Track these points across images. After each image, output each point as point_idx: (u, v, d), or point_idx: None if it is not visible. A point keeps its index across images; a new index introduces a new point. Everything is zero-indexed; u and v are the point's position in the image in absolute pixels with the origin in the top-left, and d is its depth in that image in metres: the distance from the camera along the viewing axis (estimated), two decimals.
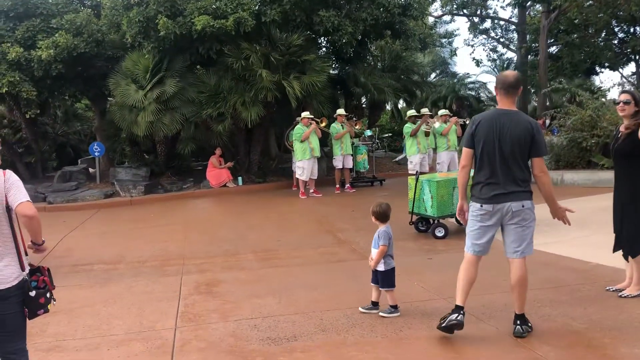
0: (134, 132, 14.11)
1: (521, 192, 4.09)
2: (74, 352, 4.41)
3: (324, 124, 13.61)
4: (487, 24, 28.83)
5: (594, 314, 4.59)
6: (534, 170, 4.15)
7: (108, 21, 14.35)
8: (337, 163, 13.38)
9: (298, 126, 12.85)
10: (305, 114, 12.91)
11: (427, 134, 12.98)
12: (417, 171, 11.08)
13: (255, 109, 13.73)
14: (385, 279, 4.85)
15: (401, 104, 26.84)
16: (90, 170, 16.35)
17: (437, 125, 12.66)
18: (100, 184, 14.88)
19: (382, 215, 4.98)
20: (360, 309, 4.97)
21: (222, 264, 7.28)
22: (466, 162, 4.22)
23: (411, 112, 13.49)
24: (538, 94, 25.31)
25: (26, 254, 3.20)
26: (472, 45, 30.82)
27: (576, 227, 7.93)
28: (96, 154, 15.08)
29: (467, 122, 15.79)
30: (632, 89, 5.12)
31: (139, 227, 10.42)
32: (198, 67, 15.22)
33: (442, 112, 13.43)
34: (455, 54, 32.40)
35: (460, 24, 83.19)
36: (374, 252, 4.90)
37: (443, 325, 4.17)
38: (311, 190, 12.91)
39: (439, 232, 8.15)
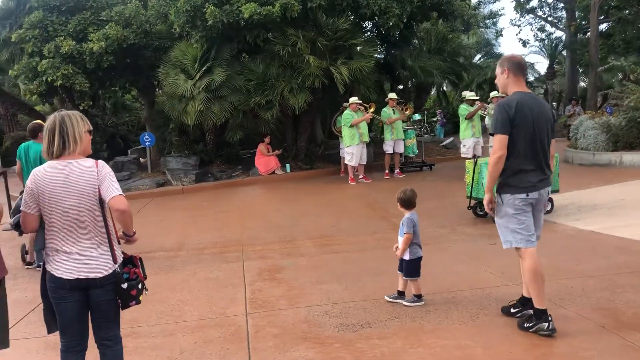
0: (183, 122, 14.28)
1: (549, 176, 4.05)
2: (151, 337, 4.47)
3: (372, 109, 13.47)
4: (534, 2, 28.01)
5: None
6: (551, 151, 4.06)
7: (155, 12, 14.50)
8: (388, 148, 13.23)
9: (346, 111, 12.75)
10: (353, 99, 12.79)
11: (482, 118, 12.68)
12: (474, 155, 10.87)
13: (303, 96, 13.69)
14: (409, 268, 4.72)
15: (446, 87, 26.37)
16: (141, 160, 16.65)
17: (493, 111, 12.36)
18: (152, 174, 15.13)
19: (407, 202, 4.83)
20: (386, 297, 4.87)
21: (281, 250, 7.29)
22: (504, 150, 3.87)
23: (470, 94, 13.15)
24: (589, 74, 24.44)
25: (119, 243, 3.24)
26: (519, 25, 30.07)
27: None
28: (147, 143, 15.33)
29: None
30: None
31: (193, 214, 10.55)
32: (245, 55, 15.25)
33: (493, 94, 13.10)
34: (501, 35, 31.57)
35: (506, 4, 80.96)
36: (400, 241, 4.77)
37: (540, 332, 3.90)
38: (360, 176, 12.83)
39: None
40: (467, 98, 12.91)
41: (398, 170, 13.36)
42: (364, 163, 12.92)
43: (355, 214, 9.53)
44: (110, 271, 3.09)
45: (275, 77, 13.97)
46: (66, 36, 13.92)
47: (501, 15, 41.73)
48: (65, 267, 3.05)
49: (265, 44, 13.99)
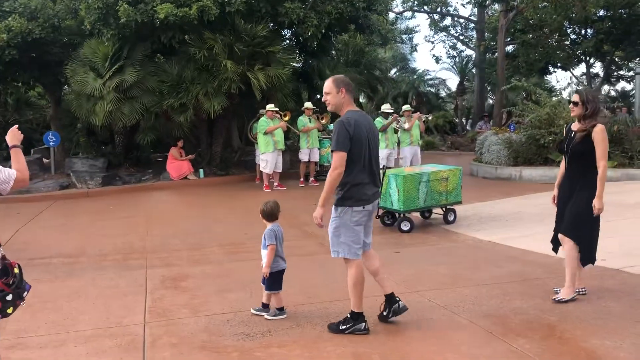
0: (91, 122, 13.68)
1: (379, 190, 4.41)
2: (39, 349, 4.23)
3: (287, 118, 13.52)
4: (447, 21, 29.28)
5: (563, 307, 4.68)
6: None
7: (65, 6, 13.84)
8: (303, 156, 13.32)
9: (262, 118, 12.72)
10: (270, 106, 12.79)
11: (395, 131, 13.05)
12: (384, 165, 11.13)
13: (219, 100, 13.52)
14: (270, 281, 4.68)
15: (362, 98, 26.95)
16: (45, 160, 15.77)
17: (406, 125, 12.74)
18: (55, 175, 14.37)
19: (269, 215, 4.83)
20: (252, 310, 4.82)
21: (188, 257, 7.13)
22: (344, 166, 4.05)
23: (385, 107, 13.51)
24: (495, 92, 25.80)
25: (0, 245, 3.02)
26: (432, 42, 31.31)
27: (538, 222, 8.19)
28: (51, 143, 14.54)
29: (430, 118, 15.82)
30: (583, 89, 5.11)
31: (98, 219, 10.11)
32: (159, 56, 14.86)
33: (405, 107, 13.53)
34: (416, 50, 32.81)
35: (421, 21, 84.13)
36: (264, 254, 4.74)
37: (357, 332, 4.25)
38: (275, 184, 12.82)
39: (405, 226, 8.20)
40: (382, 111, 13.28)
41: (313, 178, 13.47)
42: (279, 170, 12.93)
43: None
44: None
45: (190, 80, 13.70)
46: None
47: (417, 32, 43.34)
48: None
49: (181, 45, 13.70)
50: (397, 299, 4.45)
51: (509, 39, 25.55)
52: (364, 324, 4.24)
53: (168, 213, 10.84)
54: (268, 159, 12.59)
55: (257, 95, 13.55)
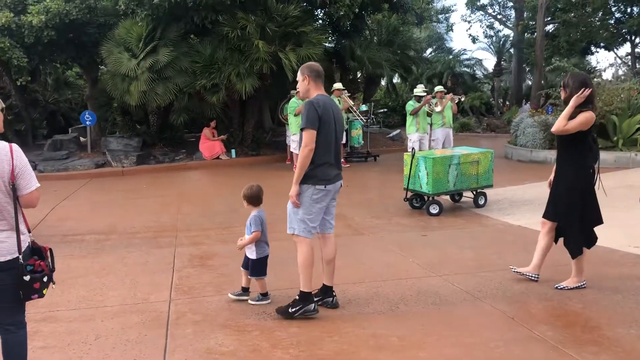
0: (126, 102, 13.91)
1: (340, 172, 4.46)
2: (68, 322, 4.37)
3: None
4: (485, 0, 28.53)
5: (589, 294, 4.60)
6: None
7: None
8: None
9: (293, 99, 12.71)
10: None
11: (428, 114, 12.85)
12: (413, 148, 11.04)
13: (250, 81, 13.56)
14: (255, 267, 4.62)
15: (396, 79, 26.65)
16: (82, 139, 16.16)
17: (438, 108, 12.53)
18: (92, 154, 14.71)
19: (253, 198, 4.76)
20: (230, 294, 4.75)
21: (216, 236, 7.23)
22: (314, 144, 4.14)
23: (418, 89, 13.30)
24: (534, 73, 25.16)
25: (29, 231, 3.12)
26: (469, 22, 30.56)
27: None
28: (87, 122, 14.87)
29: (463, 99, 15.52)
30: (574, 73, 4.89)
31: (130, 197, 10.33)
32: (192, 36, 14.95)
33: (437, 88, 13.31)
34: (452, 30, 32.06)
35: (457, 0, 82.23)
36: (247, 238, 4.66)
37: (307, 314, 4.25)
38: None
39: (434, 209, 8.13)
40: (415, 94, 13.08)
41: (343, 159, 13.43)
42: None
43: None
44: (13, 256, 2.98)
45: (223, 60, 13.76)
46: (3, 7, 13.30)
47: (453, 11, 42.40)
48: None
49: (213, 26, 13.76)
50: (333, 294, 4.51)
51: (549, 18, 24.82)
52: (313, 304, 4.27)
53: (199, 192, 10.99)
54: (299, 140, 12.58)
55: (289, 75, 13.52)
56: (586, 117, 4.44)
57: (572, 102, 4.46)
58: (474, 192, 8.56)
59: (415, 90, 13.53)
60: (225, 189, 11.14)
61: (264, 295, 4.68)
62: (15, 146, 3.03)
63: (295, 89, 12.72)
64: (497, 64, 30.48)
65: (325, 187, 4.24)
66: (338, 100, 13.24)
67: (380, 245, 6.53)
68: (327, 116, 4.19)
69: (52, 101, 19.34)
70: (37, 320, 4.37)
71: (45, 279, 3.09)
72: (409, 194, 8.43)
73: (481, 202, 8.55)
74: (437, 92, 12.82)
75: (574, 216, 4.63)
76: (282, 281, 5.10)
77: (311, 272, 4.29)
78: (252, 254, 4.65)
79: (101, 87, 15.41)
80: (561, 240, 4.86)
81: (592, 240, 4.76)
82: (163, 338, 4.01)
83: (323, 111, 4.15)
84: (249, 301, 4.68)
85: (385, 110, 24.68)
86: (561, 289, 4.71)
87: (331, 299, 4.48)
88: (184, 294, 4.96)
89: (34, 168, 13.25)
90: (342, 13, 13.86)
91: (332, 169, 4.28)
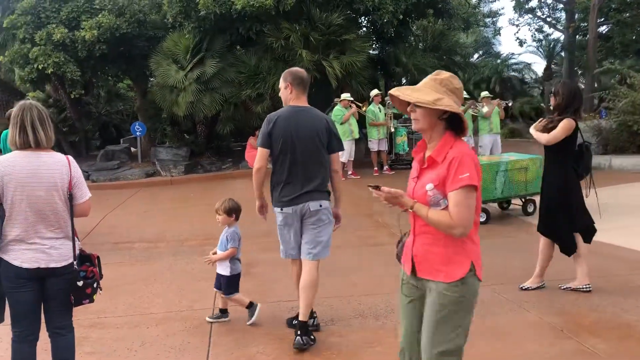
0: (174, 112, 14.24)
1: (313, 191, 3.96)
2: (115, 329, 4.48)
3: (365, 109, 13.41)
4: (534, 2, 27.90)
5: None
6: (332, 166, 4.07)
7: (149, 1, 14.45)
8: (373, 146, 13.22)
9: (337, 107, 12.71)
10: (344, 95, 12.76)
11: (473, 119, 12.66)
12: None
13: None
14: (229, 284, 4.43)
15: None
16: (132, 149, 16.64)
17: (485, 109, 12.33)
18: (142, 163, 15.12)
19: (235, 211, 4.60)
20: (208, 318, 4.56)
21: (261, 244, 7.28)
22: (263, 162, 3.96)
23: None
24: (586, 76, 24.40)
25: (78, 240, 3.24)
26: (517, 25, 29.87)
27: (627, 214, 7.68)
28: (137, 133, 15.30)
29: (510, 104, 15.16)
30: (563, 81, 5.10)
31: (179, 206, 10.54)
32: (238, 47, 15.20)
33: (484, 94, 13.08)
34: (499, 34, 31.48)
35: (505, 3, 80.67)
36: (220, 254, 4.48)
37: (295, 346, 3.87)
38: (349, 172, 12.82)
39: (481, 217, 7.94)
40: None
41: (387, 167, 13.35)
42: (352, 159, 12.92)
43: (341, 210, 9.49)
44: (69, 262, 3.11)
45: (267, 70, 13.92)
46: (58, 23, 13.85)
47: (501, 14, 41.62)
48: (25, 257, 3.04)
49: (258, 36, 13.94)
50: (299, 332, 3.90)
51: (602, 19, 24.05)
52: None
53: (245, 201, 11.00)
54: (344, 148, 12.57)
55: (333, 83, 13.56)
56: (568, 122, 4.57)
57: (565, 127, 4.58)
58: (523, 200, 8.34)
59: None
60: (268, 198, 11.22)
61: (223, 312, 4.55)
62: (71, 158, 3.19)
63: (339, 97, 12.83)
64: (547, 68, 29.71)
65: (281, 209, 3.97)
66: (379, 108, 13.15)
67: None
68: (281, 132, 3.86)
69: (104, 113, 19.98)
70: (85, 326, 4.50)
71: (95, 285, 3.21)
72: None
73: (530, 209, 8.32)
74: (483, 97, 12.60)
75: (564, 217, 4.72)
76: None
77: (312, 294, 3.99)
78: (225, 270, 4.43)
79: (150, 98, 15.84)
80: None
81: (590, 232, 4.85)
82: (206, 345, 4.05)
83: (276, 127, 3.86)
84: (207, 318, 4.53)
85: None
86: (565, 289, 4.80)
87: (295, 337, 3.90)
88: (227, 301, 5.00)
89: (87, 178, 13.72)
90: (385, 20, 13.81)
91: (289, 189, 3.93)
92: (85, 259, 3.25)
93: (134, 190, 12.73)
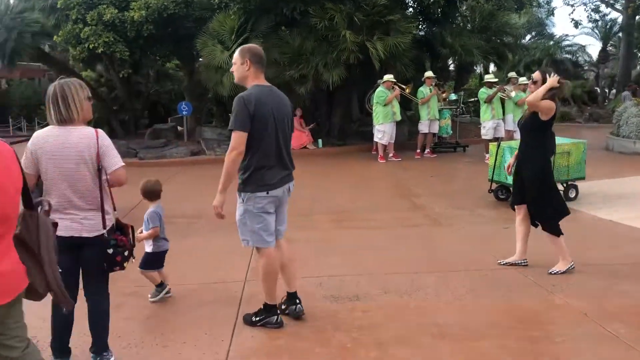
0: (219, 93, 14.49)
1: (291, 172, 3.97)
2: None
3: (408, 90, 13.30)
4: None
5: None
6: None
7: None
8: (423, 127, 13.11)
9: (380, 89, 12.66)
10: (387, 76, 12.69)
11: (502, 102, 12.44)
12: (498, 137, 10.71)
13: (337, 71, 13.65)
14: (148, 260, 4.51)
15: (492, 67, 25.73)
16: (179, 128, 17.05)
17: (513, 94, 12.08)
18: (187, 142, 15.49)
19: (150, 193, 4.55)
20: (150, 298, 4.57)
21: (295, 223, 7.32)
22: (243, 147, 3.66)
23: (488, 76, 13.00)
24: None
25: (114, 210, 3.41)
26: (572, 5, 28.64)
27: None
28: (184, 112, 15.66)
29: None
30: (544, 68, 5.43)
31: None
32: (282, 28, 15.28)
33: (511, 74, 12.99)
34: (553, 14, 30.38)
35: None
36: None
37: (268, 325, 3.97)
38: (390, 154, 12.79)
39: (570, 193, 7.92)
40: (486, 81, 12.75)
41: (429, 150, 13.25)
42: (393, 141, 12.87)
43: (379, 191, 9.56)
44: (100, 232, 3.28)
45: (311, 51, 13.95)
46: (109, 4, 14.26)
47: None
48: (61, 225, 3.23)
49: (302, 17, 13.96)
50: (297, 301, 4.12)
51: None
52: (276, 317, 3.98)
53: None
54: (385, 130, 12.56)
55: (376, 65, 13.47)
56: (550, 103, 4.73)
57: (548, 83, 4.72)
58: (565, 185, 8.17)
59: (486, 77, 13.19)
60: (310, 178, 11.31)
61: (159, 286, 4.61)
62: (101, 131, 3.32)
63: (382, 78, 12.77)
64: (603, 50, 28.58)
65: (267, 193, 3.77)
66: (429, 89, 13.02)
67: (458, 237, 6.43)
68: (262, 112, 3.67)
69: (153, 92, 20.52)
70: (124, 294, 4.73)
71: (126, 254, 3.37)
72: (494, 186, 8.20)
73: (572, 195, 8.15)
74: (511, 78, 12.50)
75: (545, 199, 4.87)
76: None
77: (274, 282, 3.96)
78: (148, 247, 4.55)
79: (197, 78, 16.14)
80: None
81: (564, 211, 4.98)
82: (234, 316, 4.22)
83: (256, 107, 3.65)
84: (149, 298, 4.58)
85: (476, 99, 23.89)
86: (555, 273, 4.86)
87: (294, 306, 4.10)
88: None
89: (134, 155, 14.19)
90: (431, 1, 13.59)
91: (274, 172, 3.79)
92: (118, 228, 3.43)
93: (178, 168, 13.08)
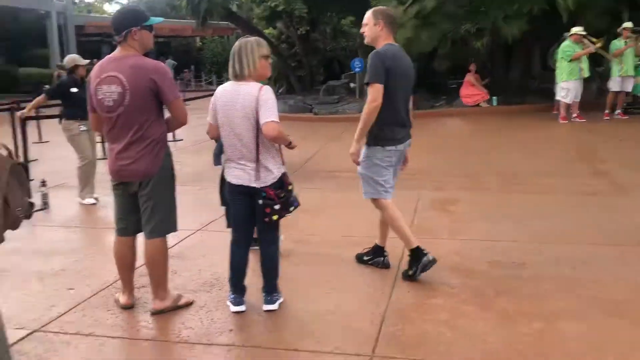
0: None
1: (409, 130, 4.17)
2: (317, 247, 4.98)
3: (599, 45, 11.96)
4: None
5: None
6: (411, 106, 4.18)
7: None
8: (614, 85, 11.85)
9: (566, 43, 11.62)
10: (576, 29, 11.57)
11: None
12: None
13: (518, 24, 12.75)
14: None
15: None
16: (351, 85, 17.35)
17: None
18: (359, 99, 15.70)
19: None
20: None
21: (461, 183, 7.25)
22: (381, 99, 3.79)
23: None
24: None
25: (283, 164, 3.60)
26: None
27: None
28: (356, 69, 15.86)
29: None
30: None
31: None
32: None
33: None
34: None
35: None
36: None
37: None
38: (574, 115, 11.79)
39: None
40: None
41: (620, 111, 11.95)
42: (578, 100, 11.81)
43: (557, 154, 8.91)
44: (267, 184, 3.49)
45: (490, 2, 13.18)
46: None
47: None
48: (233, 174, 3.56)
49: None
50: (384, 254, 4.42)
51: None
52: (382, 258, 4.39)
53: (453, 139, 11.03)
54: (570, 87, 11.59)
55: (563, 16, 12.33)
56: None
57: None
58: None
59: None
60: (481, 138, 10.95)
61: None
62: (265, 87, 3.46)
63: (569, 31, 11.66)
64: None
65: (396, 147, 3.99)
66: (625, 42, 11.66)
67: None
68: (398, 69, 3.85)
69: (330, 49, 21.02)
70: (294, 240, 5.07)
71: (276, 207, 3.50)
72: None
73: None
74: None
75: None
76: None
77: (405, 225, 4.12)
78: None
79: None
80: None
81: None
82: (395, 270, 4.30)
83: (392, 63, 3.81)
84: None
85: None
86: None
87: (382, 258, 4.39)
88: (418, 235, 5.12)
89: (310, 111, 14.81)
90: None
91: (401, 127, 4.02)
92: (277, 182, 3.55)
93: (350, 123, 13.32)
